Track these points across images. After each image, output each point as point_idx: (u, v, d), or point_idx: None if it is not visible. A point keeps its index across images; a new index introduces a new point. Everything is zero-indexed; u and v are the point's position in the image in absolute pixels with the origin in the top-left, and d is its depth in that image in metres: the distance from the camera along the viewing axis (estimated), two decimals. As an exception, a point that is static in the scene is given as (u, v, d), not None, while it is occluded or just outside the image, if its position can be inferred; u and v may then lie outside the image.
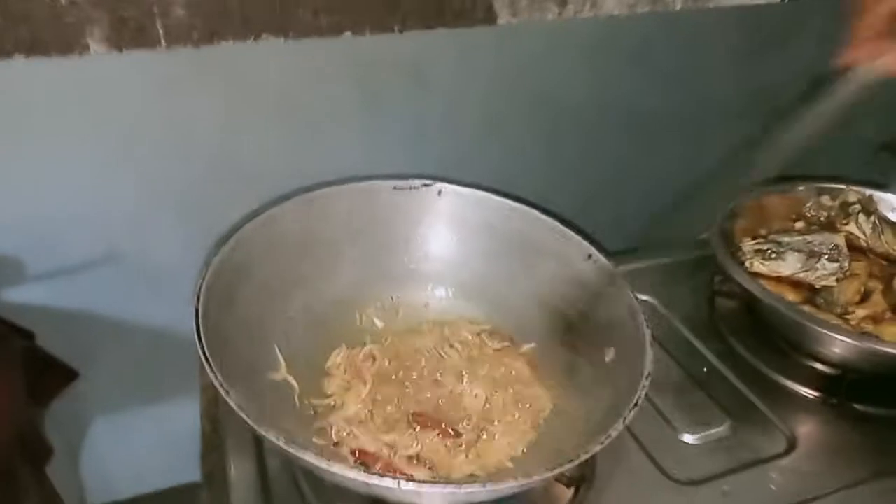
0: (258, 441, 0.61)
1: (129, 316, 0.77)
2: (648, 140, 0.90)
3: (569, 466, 0.44)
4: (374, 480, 0.41)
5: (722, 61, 0.88)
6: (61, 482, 0.77)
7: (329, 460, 0.42)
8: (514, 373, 0.63)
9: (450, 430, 0.56)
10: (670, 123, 0.90)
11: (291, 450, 0.42)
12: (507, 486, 0.43)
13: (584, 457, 0.45)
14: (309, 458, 0.42)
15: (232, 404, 0.44)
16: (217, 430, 0.69)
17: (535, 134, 0.83)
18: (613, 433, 0.46)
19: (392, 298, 0.69)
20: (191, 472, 0.72)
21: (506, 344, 0.66)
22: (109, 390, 0.81)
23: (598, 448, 0.45)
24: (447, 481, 0.44)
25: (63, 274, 0.71)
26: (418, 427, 0.56)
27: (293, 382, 0.59)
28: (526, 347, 0.66)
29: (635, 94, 0.85)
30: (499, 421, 0.59)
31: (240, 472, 0.59)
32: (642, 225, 0.91)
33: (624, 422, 0.47)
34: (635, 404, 0.48)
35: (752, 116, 0.90)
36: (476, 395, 0.60)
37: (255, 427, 0.43)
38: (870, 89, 0.42)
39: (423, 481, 0.42)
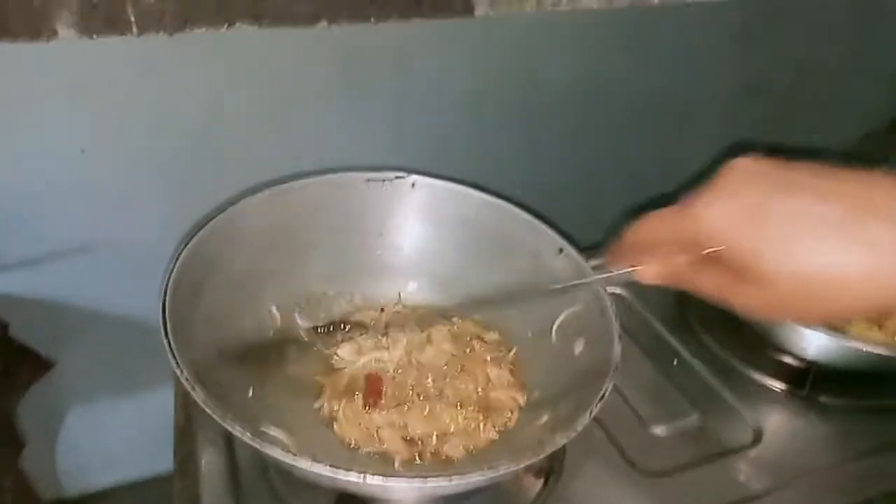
0: (229, 433, 0.61)
1: (105, 304, 0.76)
2: (631, 131, 0.90)
3: (534, 459, 0.45)
4: (340, 475, 0.41)
5: (708, 51, 0.88)
6: (36, 472, 0.76)
7: (295, 455, 0.42)
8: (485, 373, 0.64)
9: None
10: (654, 115, 0.90)
11: (256, 444, 0.42)
12: (474, 479, 0.43)
13: (549, 449, 0.45)
14: (275, 453, 0.42)
15: (197, 399, 0.44)
16: (190, 420, 0.69)
17: (517, 124, 0.83)
18: (580, 426, 0.47)
19: (365, 292, 0.69)
20: (167, 463, 0.71)
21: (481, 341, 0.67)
22: (85, 380, 0.80)
23: (564, 440, 0.46)
24: (413, 475, 0.44)
25: (38, 262, 0.70)
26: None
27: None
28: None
29: (619, 85, 0.85)
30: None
31: (210, 462, 0.59)
32: (623, 217, 0.91)
33: (590, 414, 0.48)
34: (602, 397, 0.49)
35: (738, 108, 0.91)
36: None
37: (221, 421, 0.43)
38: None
39: (389, 475, 0.42)
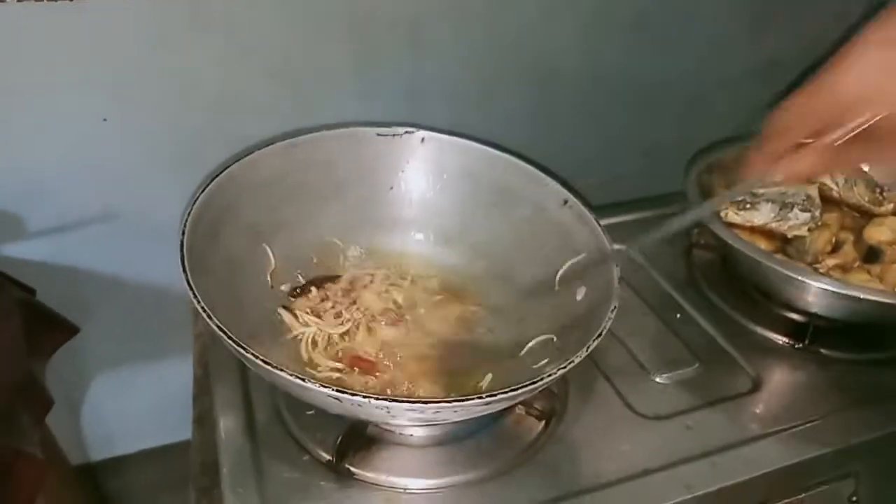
0: (245, 383, 0.64)
1: (127, 272, 0.78)
2: (643, 110, 0.91)
3: (532, 387, 0.47)
4: (346, 397, 0.44)
5: (720, 31, 0.88)
6: (61, 437, 0.80)
7: (305, 379, 0.44)
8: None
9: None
10: (666, 94, 0.91)
11: (269, 368, 0.44)
12: (474, 404, 0.45)
13: (547, 379, 0.47)
14: (285, 376, 0.44)
15: (213, 325, 0.46)
16: (207, 374, 0.72)
17: (529, 100, 0.84)
18: (577, 359, 0.49)
19: (373, 243, 0.71)
20: (187, 430, 0.74)
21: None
22: (107, 346, 0.83)
23: (560, 372, 0.48)
24: (415, 399, 0.46)
25: (62, 230, 0.72)
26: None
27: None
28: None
29: (631, 63, 0.86)
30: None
31: (227, 412, 0.61)
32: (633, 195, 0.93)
33: (587, 349, 0.49)
34: (600, 334, 0.51)
35: (751, 88, 0.91)
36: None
37: (235, 346, 0.45)
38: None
39: (393, 399, 0.44)
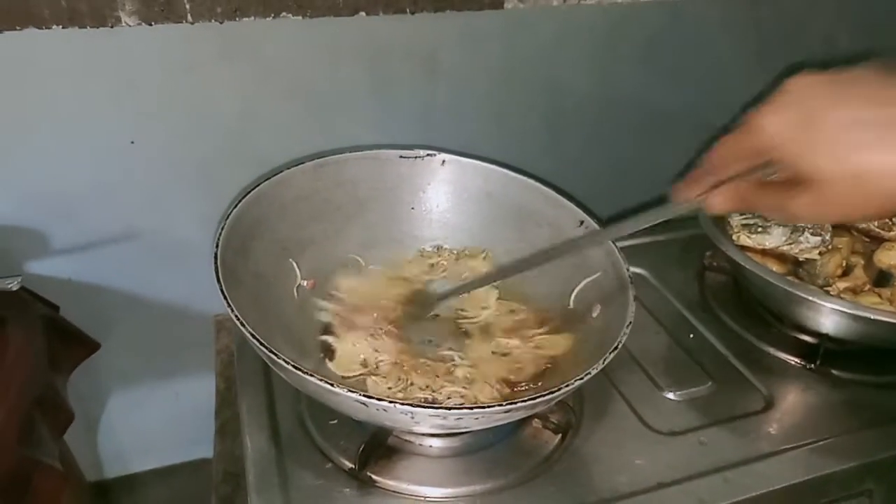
0: (270, 394, 0.66)
1: (147, 290, 0.80)
2: (654, 134, 0.93)
3: (551, 397, 0.48)
4: (372, 402, 0.46)
5: (729, 59, 0.90)
6: (77, 452, 0.80)
7: (333, 384, 0.46)
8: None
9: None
10: (676, 119, 0.92)
11: (300, 373, 0.46)
12: (495, 412, 0.47)
13: (565, 389, 0.49)
14: (315, 381, 0.47)
15: (246, 333, 0.49)
16: (230, 387, 0.74)
17: (540, 124, 0.86)
18: (594, 370, 0.50)
19: (394, 259, 0.73)
20: (203, 449, 0.74)
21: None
22: (125, 363, 0.84)
23: (578, 382, 0.49)
24: (437, 405, 0.48)
25: (86, 248, 0.74)
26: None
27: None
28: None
29: (642, 88, 0.88)
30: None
31: (253, 421, 0.63)
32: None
33: (604, 361, 0.51)
34: (616, 347, 0.52)
35: None
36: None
37: (267, 352, 0.47)
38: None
39: (416, 404, 0.46)
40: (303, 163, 0.68)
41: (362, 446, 0.57)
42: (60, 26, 0.62)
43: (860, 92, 0.40)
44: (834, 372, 0.72)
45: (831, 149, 0.40)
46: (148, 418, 0.90)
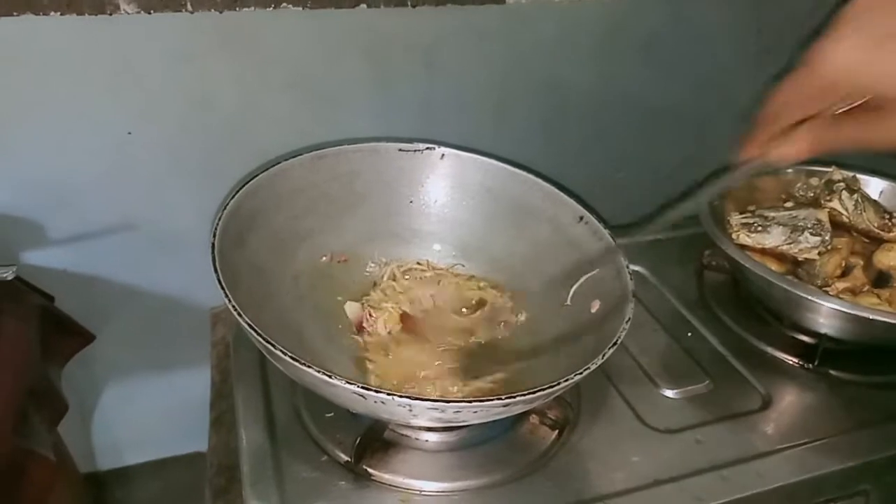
0: (266, 386, 0.65)
1: (143, 281, 0.80)
2: (653, 130, 0.93)
3: (550, 391, 0.48)
4: (371, 394, 0.45)
5: (729, 55, 0.90)
6: (71, 444, 0.80)
7: (331, 376, 0.46)
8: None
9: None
10: (677, 115, 0.93)
11: (297, 364, 0.46)
12: (493, 405, 0.47)
13: (564, 384, 0.48)
14: (312, 373, 0.46)
15: (243, 323, 0.48)
16: (226, 379, 0.73)
17: (540, 120, 0.86)
18: (593, 366, 0.50)
19: (393, 255, 0.73)
20: (198, 442, 0.74)
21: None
22: (119, 355, 0.84)
23: (577, 377, 0.49)
24: (435, 398, 0.47)
25: (82, 239, 0.74)
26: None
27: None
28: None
29: (643, 85, 0.88)
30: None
31: (248, 414, 0.62)
32: (644, 215, 0.93)
33: (603, 357, 0.51)
34: (615, 342, 0.52)
35: (758, 110, 0.92)
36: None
37: (265, 343, 0.47)
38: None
39: (415, 397, 0.45)
40: (301, 154, 0.67)
41: (358, 439, 0.57)
42: (58, 13, 0.62)
43: None
44: (832, 372, 0.72)
45: None
46: (142, 410, 0.89)
